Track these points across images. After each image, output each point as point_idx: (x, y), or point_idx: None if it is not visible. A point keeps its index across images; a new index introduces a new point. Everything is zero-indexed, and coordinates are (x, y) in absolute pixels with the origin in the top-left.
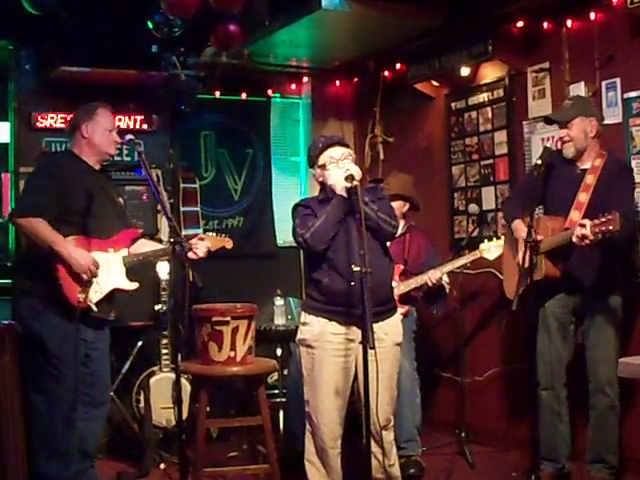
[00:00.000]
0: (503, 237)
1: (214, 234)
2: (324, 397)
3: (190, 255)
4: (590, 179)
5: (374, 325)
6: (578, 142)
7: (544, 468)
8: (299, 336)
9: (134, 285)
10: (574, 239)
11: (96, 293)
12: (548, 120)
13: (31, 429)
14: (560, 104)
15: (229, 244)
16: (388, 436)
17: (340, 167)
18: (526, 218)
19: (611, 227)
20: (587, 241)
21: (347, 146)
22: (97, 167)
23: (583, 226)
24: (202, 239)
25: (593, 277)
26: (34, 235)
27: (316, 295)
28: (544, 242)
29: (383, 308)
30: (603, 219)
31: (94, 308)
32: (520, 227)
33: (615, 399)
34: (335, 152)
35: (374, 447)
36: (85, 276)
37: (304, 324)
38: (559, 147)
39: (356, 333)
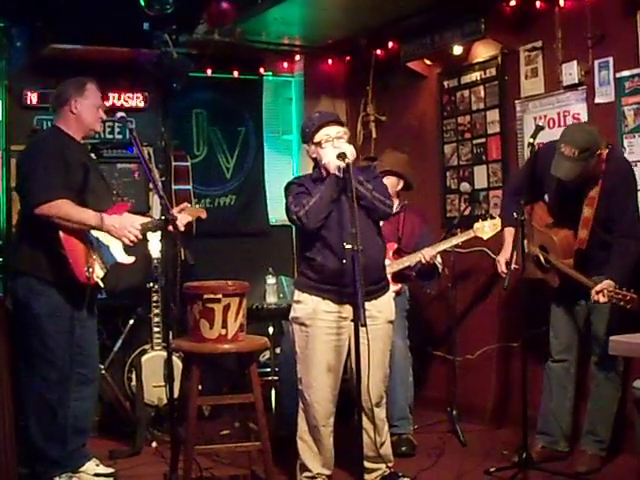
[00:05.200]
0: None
1: (189, 205)
2: (317, 375)
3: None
4: (593, 192)
5: (367, 303)
6: (588, 174)
7: (537, 443)
8: (292, 314)
9: (132, 259)
10: (592, 299)
11: (102, 269)
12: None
13: (27, 410)
14: (567, 164)
15: (204, 214)
16: (380, 413)
17: (335, 146)
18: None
19: (628, 306)
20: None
21: (342, 124)
22: (82, 142)
23: (600, 293)
24: (182, 210)
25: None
26: (64, 219)
27: (309, 273)
28: (558, 264)
29: (376, 287)
30: (621, 295)
31: (101, 284)
32: (507, 241)
33: (615, 374)
34: (331, 130)
35: (366, 424)
36: (128, 240)
37: (297, 302)
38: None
39: (349, 311)
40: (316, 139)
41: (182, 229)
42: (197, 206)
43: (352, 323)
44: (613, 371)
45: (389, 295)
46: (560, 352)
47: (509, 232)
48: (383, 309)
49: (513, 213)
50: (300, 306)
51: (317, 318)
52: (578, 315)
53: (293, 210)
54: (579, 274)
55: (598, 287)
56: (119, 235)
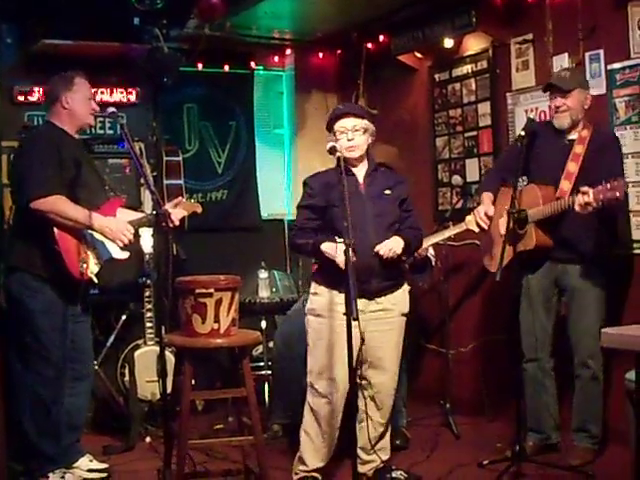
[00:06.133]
0: None
1: (184, 199)
2: (329, 366)
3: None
4: (579, 149)
5: (382, 297)
6: (574, 113)
7: (529, 439)
8: (308, 305)
9: (126, 254)
10: (577, 208)
11: (96, 265)
12: (548, 86)
13: (21, 406)
14: (558, 72)
15: (199, 209)
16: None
17: (349, 138)
18: (504, 189)
19: (617, 194)
20: (590, 208)
21: (362, 117)
22: (76, 137)
23: (585, 193)
24: (177, 204)
25: (581, 246)
26: (58, 215)
27: (326, 267)
28: (535, 211)
29: (390, 283)
30: (608, 185)
31: (95, 280)
32: (486, 201)
33: (597, 370)
34: (347, 122)
35: (375, 417)
36: (121, 242)
37: (314, 294)
38: (551, 116)
39: (364, 304)
40: (334, 129)
41: (177, 224)
42: (191, 201)
43: (365, 316)
44: (597, 368)
45: (403, 289)
46: (532, 351)
47: (487, 196)
48: (397, 302)
49: (492, 184)
50: (316, 298)
51: (333, 310)
52: (549, 313)
53: (293, 227)
54: (557, 201)
55: (584, 188)
56: (113, 237)
